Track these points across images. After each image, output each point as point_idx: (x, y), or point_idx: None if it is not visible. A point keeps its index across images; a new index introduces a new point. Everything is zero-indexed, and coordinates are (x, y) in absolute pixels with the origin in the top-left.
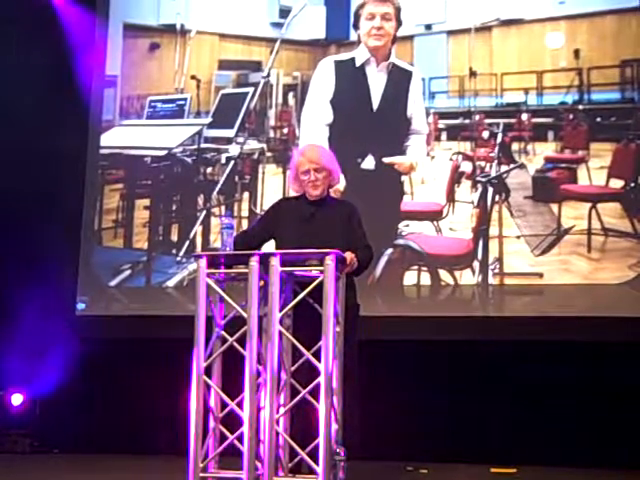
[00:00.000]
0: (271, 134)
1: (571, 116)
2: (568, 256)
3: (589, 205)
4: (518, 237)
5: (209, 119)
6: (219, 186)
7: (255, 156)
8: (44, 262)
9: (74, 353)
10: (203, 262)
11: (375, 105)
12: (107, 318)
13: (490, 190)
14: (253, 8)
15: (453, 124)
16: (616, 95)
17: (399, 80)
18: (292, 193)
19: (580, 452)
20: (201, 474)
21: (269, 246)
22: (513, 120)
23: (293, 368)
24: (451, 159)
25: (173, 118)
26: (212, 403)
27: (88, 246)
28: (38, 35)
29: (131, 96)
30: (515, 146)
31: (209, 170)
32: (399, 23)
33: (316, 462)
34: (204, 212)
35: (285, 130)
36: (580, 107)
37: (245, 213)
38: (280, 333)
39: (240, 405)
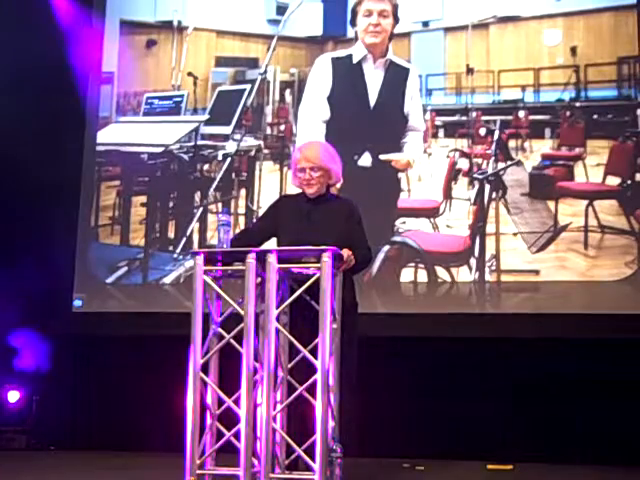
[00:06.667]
0: (268, 131)
1: (568, 113)
2: (565, 253)
3: (586, 202)
4: (515, 234)
5: (206, 116)
6: (216, 183)
7: (252, 153)
8: (40, 259)
9: (70, 350)
10: (200, 259)
11: (372, 102)
12: (104, 315)
13: (487, 187)
14: (250, 5)
15: (450, 121)
16: (613, 92)
17: (396, 77)
18: (294, 189)
19: (577, 449)
20: (198, 471)
21: (268, 243)
22: (510, 117)
23: (290, 365)
24: (448, 156)
25: (170, 115)
26: (209, 400)
27: (85, 243)
28: (35, 32)
29: (128, 93)
30: (512, 143)
31: (206, 167)
32: (396, 20)
33: (313, 459)
34: (201, 209)
35: (282, 127)
36: (577, 104)
37: (242, 210)
38: (277, 330)
39: (237, 402)
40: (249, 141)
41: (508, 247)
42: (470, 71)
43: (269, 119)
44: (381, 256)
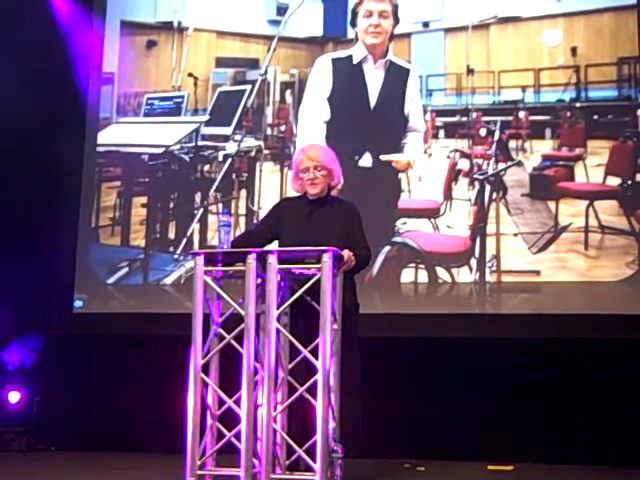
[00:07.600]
0: (268, 132)
1: (568, 114)
2: (565, 254)
3: (586, 203)
4: (515, 235)
5: (206, 117)
6: (216, 184)
7: (252, 154)
8: (41, 259)
9: (71, 350)
10: (200, 260)
11: (372, 103)
12: (104, 316)
13: (487, 188)
14: (250, 5)
15: (450, 122)
16: (613, 93)
17: (396, 78)
18: (292, 192)
19: (578, 449)
20: (198, 471)
21: (269, 246)
22: (510, 118)
23: (290, 366)
24: (448, 157)
25: (170, 116)
26: (209, 401)
27: (85, 244)
28: (35, 33)
29: (128, 94)
30: (512, 144)
31: (206, 168)
32: (396, 20)
33: (314, 459)
34: (201, 210)
35: (282, 128)
36: (577, 105)
37: (242, 211)
38: (277, 331)
39: (237, 403)
40: (249, 142)
41: (508, 247)
42: (470, 72)
43: (269, 120)
44: (382, 257)
